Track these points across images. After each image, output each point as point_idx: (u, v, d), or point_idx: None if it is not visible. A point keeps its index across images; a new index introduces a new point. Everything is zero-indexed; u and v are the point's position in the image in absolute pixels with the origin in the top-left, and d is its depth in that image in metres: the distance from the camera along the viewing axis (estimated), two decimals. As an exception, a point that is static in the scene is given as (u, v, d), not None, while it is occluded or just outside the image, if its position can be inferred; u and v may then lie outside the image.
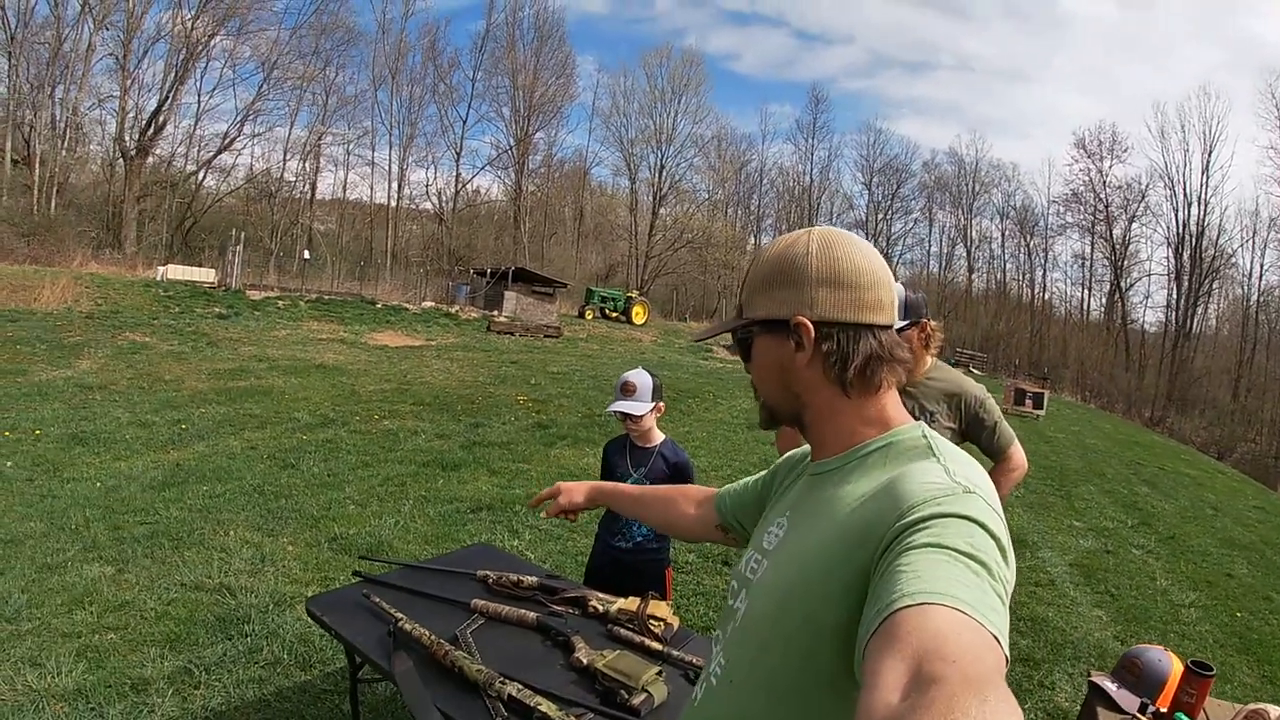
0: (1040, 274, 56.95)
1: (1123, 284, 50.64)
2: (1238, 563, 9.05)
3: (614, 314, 34.54)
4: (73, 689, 3.19)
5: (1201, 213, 47.84)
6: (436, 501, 6.29)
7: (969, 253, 58.78)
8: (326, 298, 23.66)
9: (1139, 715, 2.05)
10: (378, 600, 2.29)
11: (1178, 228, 48.58)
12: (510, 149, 46.59)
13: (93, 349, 12.70)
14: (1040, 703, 4.11)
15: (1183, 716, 2.05)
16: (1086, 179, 52.62)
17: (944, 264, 59.93)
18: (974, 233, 58.40)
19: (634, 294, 38.03)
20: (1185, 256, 48.03)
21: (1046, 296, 56.89)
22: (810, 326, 1.04)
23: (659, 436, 3.21)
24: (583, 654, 2.05)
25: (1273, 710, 2.11)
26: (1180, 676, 2.19)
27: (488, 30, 46.66)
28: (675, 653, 2.21)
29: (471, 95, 46.23)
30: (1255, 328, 47.80)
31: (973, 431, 2.92)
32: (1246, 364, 46.55)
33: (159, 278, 21.67)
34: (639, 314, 34.88)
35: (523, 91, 45.98)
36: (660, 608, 2.39)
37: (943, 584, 0.72)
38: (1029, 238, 56.59)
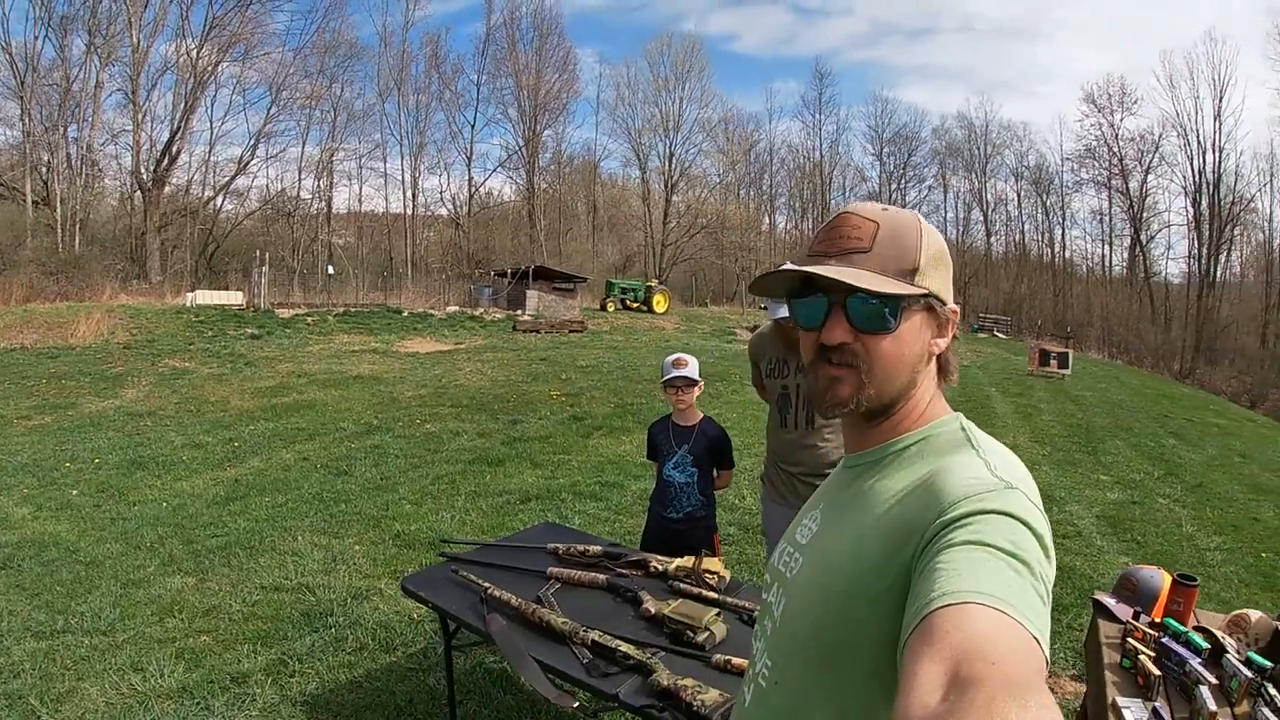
0: (1059, 233, 56.20)
1: (1143, 237, 50.06)
2: (1265, 507, 9.18)
3: (635, 304, 34.65)
4: (176, 688, 3.51)
5: (1217, 159, 47.18)
6: (487, 495, 6.66)
7: (986, 216, 58.03)
8: (353, 310, 24.09)
9: (1133, 622, 2.26)
10: (466, 574, 2.64)
11: (1194, 176, 47.89)
12: (520, 149, 46.95)
13: (136, 377, 13.18)
14: (1070, 643, 4.36)
15: (1172, 622, 2.27)
16: (1099, 134, 51.89)
17: (961, 229, 58.93)
18: (989, 196, 57.66)
19: (653, 283, 38.04)
20: (1204, 205, 47.40)
21: (1067, 255, 56.18)
22: (955, 314, 1.05)
23: (699, 414, 3.57)
24: (650, 605, 2.37)
25: (1253, 614, 2.33)
26: (1169, 588, 2.43)
27: (488, 33, 46.94)
28: (730, 599, 2.53)
29: (478, 99, 46.64)
30: (1276, 273, 47.08)
31: None
32: (1274, 309, 45.76)
33: (189, 304, 22.13)
34: (660, 303, 35.00)
35: (527, 91, 46.21)
36: (713, 563, 2.71)
37: (983, 583, 0.72)
38: (1045, 197, 55.89)
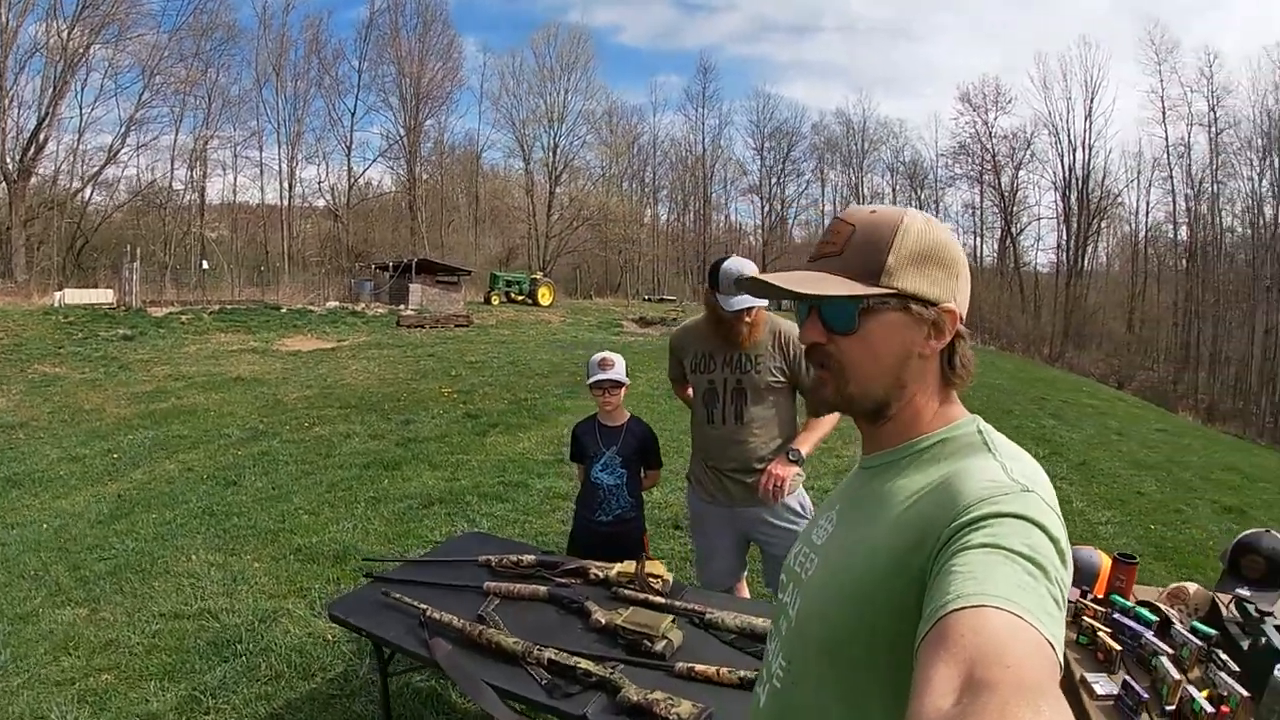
0: None
1: (1013, 229, 52.87)
2: (1146, 481, 9.73)
3: (520, 297, 34.35)
4: (84, 736, 3.21)
5: (1086, 156, 50.30)
6: (387, 501, 6.39)
7: None
8: (229, 308, 23.11)
9: (1084, 600, 2.32)
10: (398, 596, 2.48)
11: (1064, 172, 50.99)
12: (401, 139, 45.84)
13: (5, 385, 12.31)
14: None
15: (1117, 598, 2.35)
16: (973, 131, 54.55)
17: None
18: (866, 190, 59.94)
19: (538, 275, 37.87)
20: (1073, 199, 50.49)
21: (943, 247, 59.10)
22: (954, 316, 1.02)
23: (626, 414, 3.50)
24: (600, 615, 2.29)
25: (1190, 586, 2.45)
26: (1110, 567, 2.51)
27: (371, 19, 45.58)
28: (678, 603, 2.47)
29: (358, 86, 45.23)
30: (1144, 262, 50.53)
31: (795, 370, 3.03)
32: (1138, 297, 49.23)
33: (57, 304, 20.79)
34: (545, 295, 34.80)
35: (410, 79, 45.15)
36: (656, 566, 2.66)
37: (998, 586, 0.71)
38: (920, 191, 58.43)
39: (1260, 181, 45.20)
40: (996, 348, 42.00)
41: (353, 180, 45.02)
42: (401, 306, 26.67)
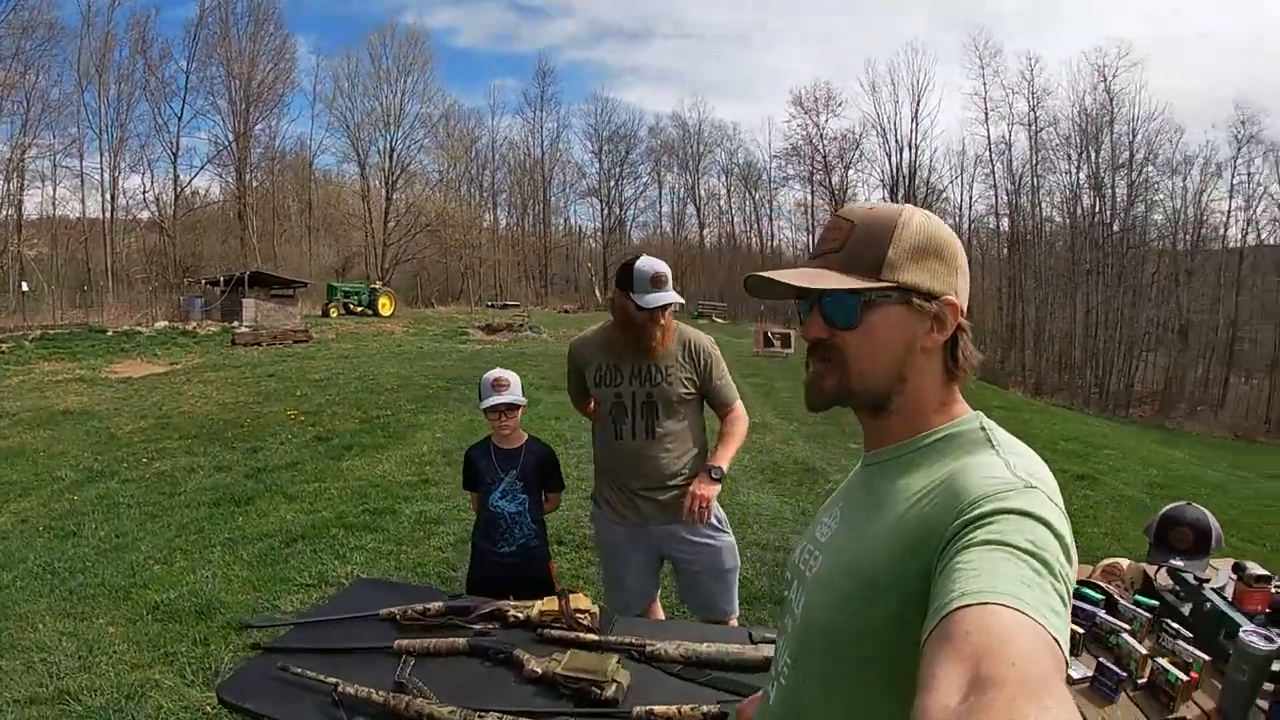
0: (767, 224, 61.68)
1: None
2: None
3: (359, 309, 33.13)
4: None
5: (913, 156, 54.97)
6: (245, 542, 5.79)
7: (699, 211, 62.83)
8: (52, 332, 21.28)
9: None
10: (299, 670, 2.13)
11: (892, 171, 55.37)
12: (230, 145, 43.23)
13: None
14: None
15: None
16: (805, 133, 57.64)
17: (676, 223, 63.37)
18: (702, 191, 62.20)
19: (377, 285, 36.73)
20: (900, 196, 54.01)
21: (775, 244, 61.60)
22: (955, 309, 1.02)
23: (523, 435, 3.29)
24: (535, 664, 2.08)
25: (1122, 562, 2.51)
26: None
27: (200, 17, 42.65)
28: (613, 638, 2.28)
29: (186, 89, 42.32)
30: (970, 251, 53.32)
31: (705, 380, 2.95)
32: None
33: None
34: (385, 305, 33.76)
35: (239, 81, 42.75)
36: (580, 600, 2.44)
37: (1002, 583, 0.71)
38: (754, 192, 61.29)
39: (1078, 174, 50.79)
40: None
41: (179, 190, 42.14)
42: (236, 324, 25.12)
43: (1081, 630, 2.11)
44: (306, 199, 50.34)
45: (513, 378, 3.19)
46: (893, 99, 54.86)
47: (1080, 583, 2.34)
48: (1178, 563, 2.40)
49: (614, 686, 1.99)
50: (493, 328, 28.19)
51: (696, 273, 56.26)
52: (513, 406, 3.16)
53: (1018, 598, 0.69)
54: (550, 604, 2.44)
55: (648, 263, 2.80)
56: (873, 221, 1.03)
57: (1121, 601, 2.21)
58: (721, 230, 63.30)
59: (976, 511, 0.82)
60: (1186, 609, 2.16)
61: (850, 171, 57.11)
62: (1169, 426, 36.22)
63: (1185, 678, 1.80)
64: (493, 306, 42.65)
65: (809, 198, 59.12)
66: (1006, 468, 0.89)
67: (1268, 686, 1.74)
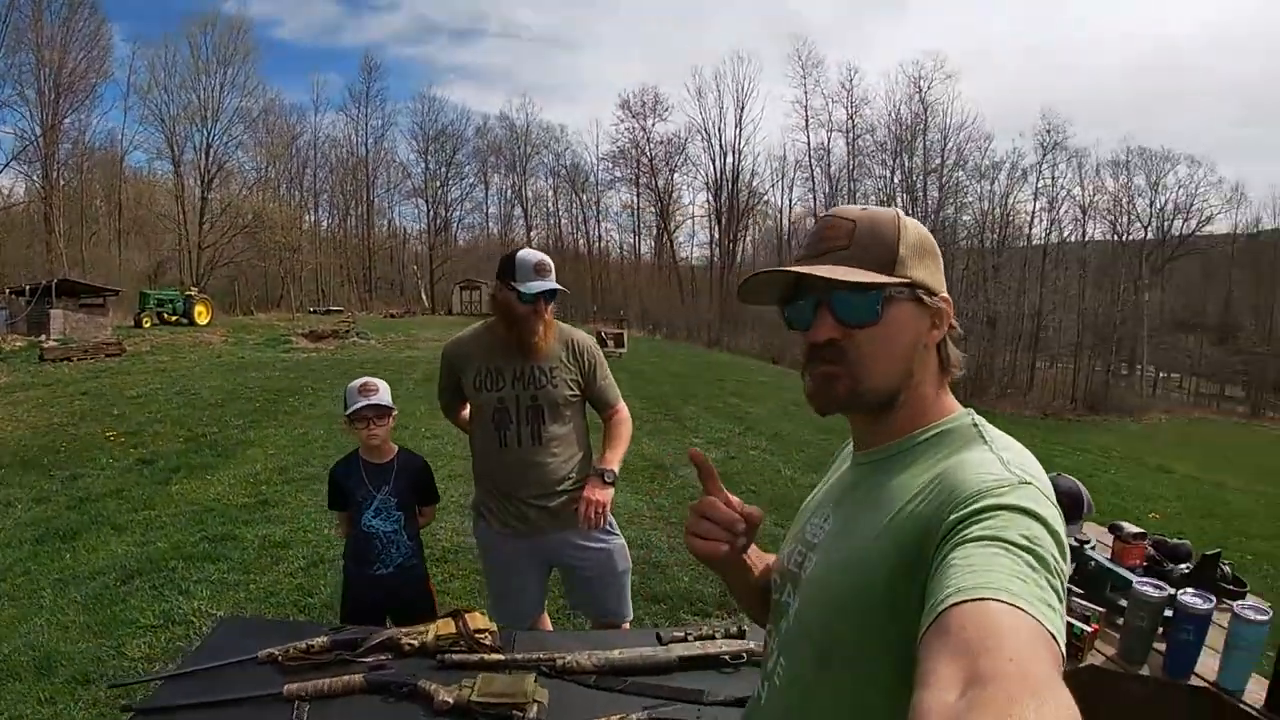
0: (594, 226, 62.00)
1: (670, 227, 57.09)
2: (836, 443, 10.50)
3: (174, 317, 30.49)
4: None
5: (736, 160, 57.07)
6: (77, 582, 5.00)
7: (526, 212, 62.33)
8: None
9: None
10: None
11: (715, 174, 57.25)
12: (36, 140, 38.71)
13: None
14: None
15: None
16: (632, 137, 58.71)
17: (503, 225, 62.70)
18: (529, 193, 61.85)
19: (193, 291, 33.87)
20: (724, 198, 56.53)
21: (602, 245, 62.23)
22: (949, 306, 1.03)
23: (393, 447, 3.00)
24: (445, 694, 1.82)
25: None
26: None
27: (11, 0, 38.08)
28: (520, 656, 2.07)
29: (-10, 77, 37.42)
30: (788, 252, 57.30)
31: (589, 381, 2.86)
32: None
33: None
34: (202, 313, 31.31)
35: (49, 69, 38.40)
36: (478, 619, 2.21)
37: (998, 578, 0.70)
38: (581, 193, 61.30)
39: (892, 179, 55.03)
40: (662, 336, 44.66)
41: (-21, 189, 37.48)
42: (43, 337, 22.47)
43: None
44: (116, 199, 45.98)
45: (380, 384, 2.91)
46: (718, 105, 57.19)
47: None
48: None
49: (535, 707, 1.80)
50: (317, 334, 26.67)
51: None
52: (383, 411, 2.87)
53: (1013, 593, 0.68)
54: (446, 626, 2.18)
55: (529, 252, 2.69)
56: (876, 220, 1.02)
57: None
58: (549, 232, 63.17)
59: (971, 507, 0.82)
60: (1072, 569, 2.28)
61: (675, 175, 58.80)
62: (982, 409, 38.86)
63: (1088, 629, 1.96)
64: (315, 312, 40.49)
65: (635, 200, 60.31)
66: (1000, 463, 0.90)
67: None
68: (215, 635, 2.34)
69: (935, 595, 0.72)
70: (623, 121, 58.81)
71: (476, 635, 2.15)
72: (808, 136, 56.44)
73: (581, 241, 61.98)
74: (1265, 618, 1.68)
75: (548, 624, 3.06)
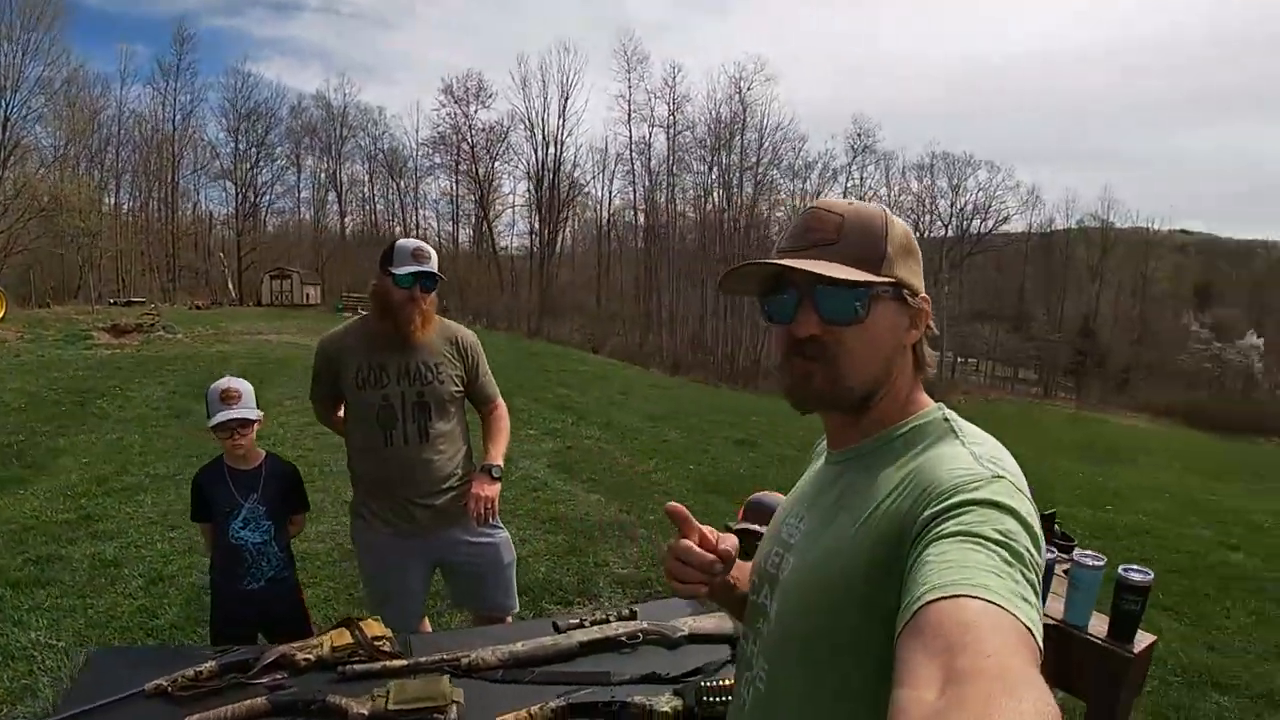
0: (411, 213, 60.11)
1: (489, 216, 56.15)
2: (667, 430, 10.79)
3: (-38, 314, 27.45)
4: None
5: (558, 151, 56.63)
6: None
7: (340, 198, 59.09)
8: None
9: None
10: None
11: (537, 164, 56.57)
12: None
13: None
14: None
15: None
16: (453, 123, 57.17)
17: (316, 210, 59.09)
18: (344, 177, 58.86)
19: (-15, 284, 30.50)
20: (544, 188, 55.97)
21: (420, 233, 60.18)
22: (928, 304, 1.03)
23: (260, 453, 2.84)
24: (359, 706, 1.80)
25: None
26: None
27: None
28: (422, 659, 2.06)
29: None
30: (607, 244, 58.88)
31: (472, 376, 2.85)
32: (604, 274, 57.18)
33: None
34: (-4, 308, 28.32)
35: None
36: (373, 625, 2.19)
37: (974, 574, 0.70)
38: (399, 179, 59.05)
39: (709, 175, 56.62)
40: (483, 325, 44.19)
41: None
42: None
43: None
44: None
45: (244, 387, 2.74)
46: (542, 94, 56.64)
47: None
48: None
49: (455, 708, 1.81)
50: (121, 329, 24.23)
51: (338, 263, 52.55)
52: (247, 422, 2.72)
53: (989, 589, 0.68)
54: (341, 637, 2.14)
55: (408, 240, 2.68)
56: (863, 215, 1.01)
57: None
58: (365, 218, 60.57)
59: (945, 504, 0.82)
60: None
61: (496, 163, 57.85)
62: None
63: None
64: (115, 304, 36.82)
65: (454, 187, 58.90)
66: (973, 459, 0.90)
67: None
68: (88, 670, 2.17)
69: (911, 593, 0.72)
70: (444, 106, 57.06)
71: (375, 643, 2.13)
72: (630, 130, 57.19)
73: (398, 229, 59.36)
74: (1101, 563, 1.89)
75: (427, 626, 3.01)
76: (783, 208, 56.51)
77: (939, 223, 59.09)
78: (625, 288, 57.29)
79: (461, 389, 2.80)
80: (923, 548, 0.78)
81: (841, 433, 1.07)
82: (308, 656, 2.08)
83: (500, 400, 2.97)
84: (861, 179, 58.08)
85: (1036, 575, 0.75)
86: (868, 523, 0.92)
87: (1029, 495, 0.86)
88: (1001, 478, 0.85)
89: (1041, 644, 0.66)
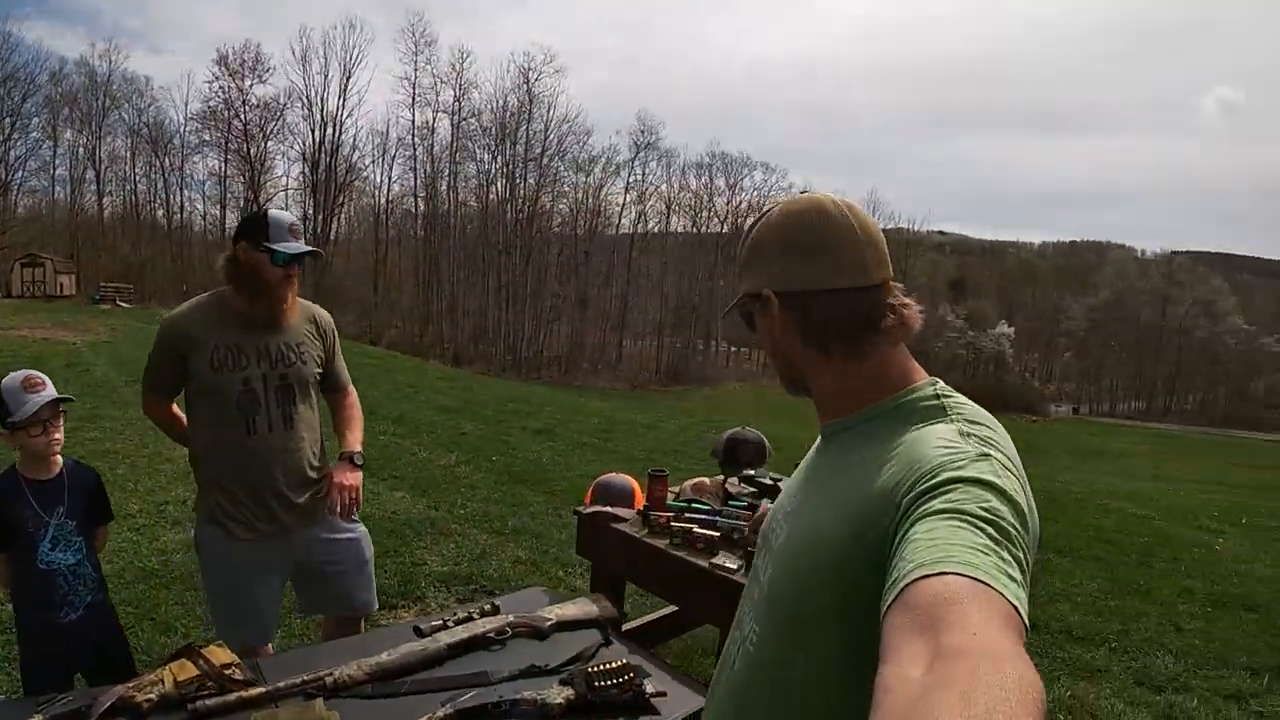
0: (175, 194, 54.34)
1: (260, 199, 51.79)
2: (463, 422, 10.58)
3: None
4: None
5: (336, 132, 53.07)
6: None
7: (99, 175, 51.45)
8: None
9: (657, 512, 2.71)
10: None
11: (314, 145, 52.75)
12: None
13: None
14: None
15: (674, 502, 2.83)
16: (226, 97, 51.90)
17: (73, 189, 51.00)
18: (104, 153, 51.54)
19: None
20: (320, 171, 52.51)
21: (186, 217, 55.10)
22: (774, 299, 1.02)
23: (59, 458, 2.41)
24: (226, 744, 1.63)
25: (705, 480, 3.02)
26: (648, 483, 2.89)
27: None
28: (282, 684, 1.87)
29: None
30: (385, 231, 56.25)
31: (329, 359, 2.66)
32: (382, 263, 54.47)
33: None
34: None
35: None
36: (218, 652, 1.95)
37: (959, 552, 0.69)
38: (163, 157, 52.84)
39: (492, 164, 55.35)
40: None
41: None
42: None
43: (716, 533, 2.55)
44: None
45: (45, 377, 2.33)
46: (323, 72, 52.97)
47: (688, 500, 2.82)
48: (750, 472, 2.97)
49: (333, 734, 1.66)
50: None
51: (96, 249, 46.92)
52: (58, 411, 2.33)
53: (974, 566, 0.67)
54: (184, 669, 1.88)
55: (282, 212, 2.44)
56: (751, 224, 1.11)
57: (724, 507, 2.73)
58: (125, 199, 53.37)
59: (931, 481, 0.81)
60: (765, 502, 2.67)
61: (270, 143, 53.31)
62: (576, 384, 41.78)
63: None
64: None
65: (223, 167, 53.39)
66: (960, 436, 0.89)
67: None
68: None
69: (897, 570, 0.72)
70: (218, 80, 51.57)
71: (224, 671, 1.91)
72: (413, 114, 54.85)
73: (160, 212, 53.51)
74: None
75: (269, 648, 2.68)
76: (566, 200, 57.36)
77: (715, 219, 62.48)
78: (404, 278, 55.49)
79: (321, 371, 2.58)
80: (909, 526, 0.77)
81: (820, 407, 1.10)
82: (149, 697, 1.81)
83: (352, 388, 2.78)
84: (644, 174, 59.77)
85: (1023, 553, 0.74)
86: (851, 498, 0.92)
87: (1019, 472, 0.87)
88: (988, 455, 0.85)
89: (1027, 620, 0.66)
